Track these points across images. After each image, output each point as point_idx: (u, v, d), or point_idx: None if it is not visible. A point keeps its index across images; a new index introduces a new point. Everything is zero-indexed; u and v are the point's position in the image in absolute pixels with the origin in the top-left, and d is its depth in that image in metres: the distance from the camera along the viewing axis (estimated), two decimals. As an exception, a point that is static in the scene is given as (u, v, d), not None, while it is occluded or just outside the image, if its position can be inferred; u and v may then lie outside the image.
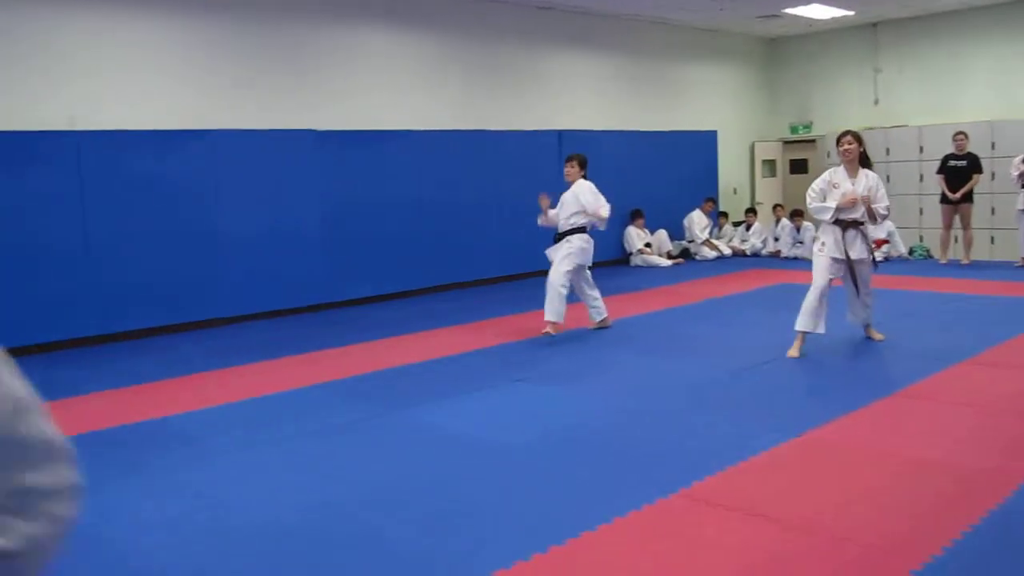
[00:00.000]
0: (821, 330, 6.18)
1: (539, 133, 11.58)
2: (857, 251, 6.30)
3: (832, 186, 6.28)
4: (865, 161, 6.38)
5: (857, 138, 6.30)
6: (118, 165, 8.00)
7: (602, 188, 7.46)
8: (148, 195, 8.16)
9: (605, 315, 7.57)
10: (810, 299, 6.19)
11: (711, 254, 13.06)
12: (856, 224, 6.30)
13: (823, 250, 6.34)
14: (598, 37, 12.56)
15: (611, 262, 12.53)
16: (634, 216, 12.50)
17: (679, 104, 13.95)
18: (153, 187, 8.19)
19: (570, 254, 7.29)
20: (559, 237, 7.47)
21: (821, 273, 6.27)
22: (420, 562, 3.21)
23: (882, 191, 6.35)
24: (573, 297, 7.49)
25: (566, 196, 7.47)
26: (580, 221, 7.37)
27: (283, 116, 9.25)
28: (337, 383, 6.08)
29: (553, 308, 7.17)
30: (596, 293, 7.56)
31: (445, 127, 10.58)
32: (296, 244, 9.22)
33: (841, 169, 6.36)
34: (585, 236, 7.41)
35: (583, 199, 7.33)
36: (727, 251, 13.22)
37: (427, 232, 10.28)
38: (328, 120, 9.58)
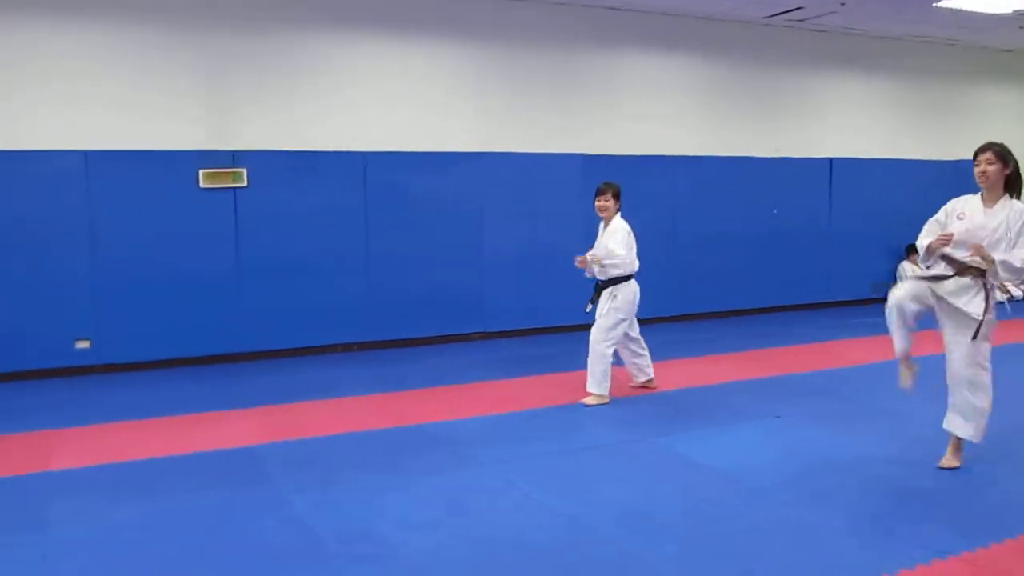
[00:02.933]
0: None
1: (808, 160, 11.10)
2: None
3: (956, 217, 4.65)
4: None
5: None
6: (398, 183, 8.62)
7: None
8: (423, 211, 8.73)
9: (651, 376, 6.55)
10: None
11: (1000, 296, 11.82)
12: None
13: None
14: (872, 59, 11.81)
15: (882, 299, 11.72)
16: (910, 251, 11.62)
17: (965, 131, 12.77)
18: (427, 204, 8.74)
19: (614, 309, 6.18)
20: (600, 287, 6.30)
21: None
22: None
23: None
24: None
25: (599, 240, 6.37)
26: (618, 271, 6.22)
27: (553, 140, 9.52)
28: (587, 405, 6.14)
29: (594, 378, 6.13)
30: (643, 350, 6.50)
31: (709, 152, 10.41)
32: (558, 264, 9.42)
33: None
34: (632, 286, 6.26)
35: (607, 243, 6.21)
36: (1018, 294, 11.91)
37: (680, 258, 10.14)
38: (594, 144, 9.73)
